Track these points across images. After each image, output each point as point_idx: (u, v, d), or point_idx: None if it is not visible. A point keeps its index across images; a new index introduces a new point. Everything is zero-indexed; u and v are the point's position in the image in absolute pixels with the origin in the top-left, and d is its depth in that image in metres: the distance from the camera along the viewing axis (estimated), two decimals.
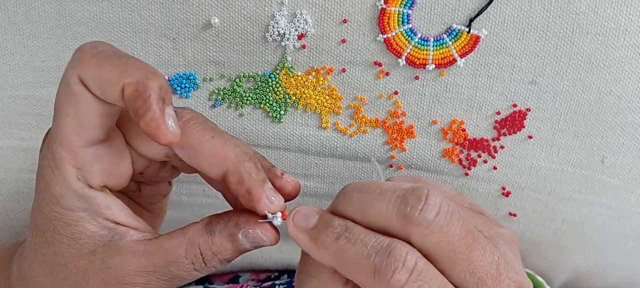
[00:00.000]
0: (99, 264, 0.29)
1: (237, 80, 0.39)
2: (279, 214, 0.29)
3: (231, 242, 0.29)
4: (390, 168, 0.41)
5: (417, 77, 0.38)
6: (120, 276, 0.29)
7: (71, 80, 0.27)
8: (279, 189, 0.30)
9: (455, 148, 0.40)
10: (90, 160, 0.29)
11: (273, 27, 0.37)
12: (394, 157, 0.40)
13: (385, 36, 0.37)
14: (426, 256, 0.26)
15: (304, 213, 0.28)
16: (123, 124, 0.31)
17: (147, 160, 0.32)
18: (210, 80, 0.39)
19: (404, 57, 0.37)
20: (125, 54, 0.28)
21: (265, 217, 0.29)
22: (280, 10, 0.36)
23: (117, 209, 0.30)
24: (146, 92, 0.26)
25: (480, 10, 0.36)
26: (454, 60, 0.37)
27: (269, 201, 0.29)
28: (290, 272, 0.46)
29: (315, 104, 0.39)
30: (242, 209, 0.30)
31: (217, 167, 0.29)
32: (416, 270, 0.25)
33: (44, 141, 0.31)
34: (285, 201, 0.30)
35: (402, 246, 0.26)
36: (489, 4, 0.35)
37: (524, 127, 0.39)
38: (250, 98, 0.39)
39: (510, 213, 0.42)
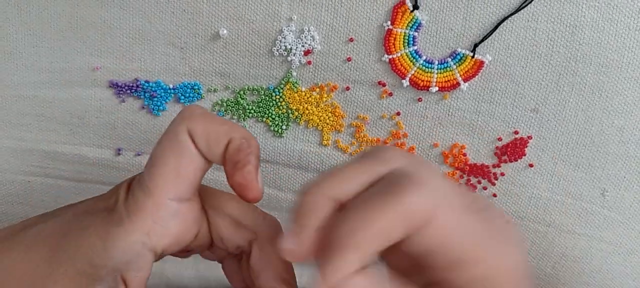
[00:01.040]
0: None
1: (241, 92, 0.39)
2: None
3: None
4: None
5: (420, 99, 0.38)
6: None
7: (180, 131, 0.29)
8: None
9: (456, 173, 0.40)
10: (171, 214, 0.29)
11: (280, 41, 0.37)
12: None
13: (390, 57, 0.37)
14: None
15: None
16: (215, 202, 0.31)
17: (209, 240, 0.31)
18: (215, 91, 0.39)
19: (407, 79, 0.37)
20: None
21: None
22: (289, 26, 0.37)
23: (141, 278, 0.29)
24: (250, 146, 0.28)
25: (485, 36, 0.36)
26: (458, 83, 0.37)
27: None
28: None
29: (318, 121, 0.39)
30: None
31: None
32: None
33: (122, 187, 0.30)
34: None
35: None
36: (494, 30, 0.36)
37: (525, 155, 0.39)
38: (253, 111, 0.39)
39: None
